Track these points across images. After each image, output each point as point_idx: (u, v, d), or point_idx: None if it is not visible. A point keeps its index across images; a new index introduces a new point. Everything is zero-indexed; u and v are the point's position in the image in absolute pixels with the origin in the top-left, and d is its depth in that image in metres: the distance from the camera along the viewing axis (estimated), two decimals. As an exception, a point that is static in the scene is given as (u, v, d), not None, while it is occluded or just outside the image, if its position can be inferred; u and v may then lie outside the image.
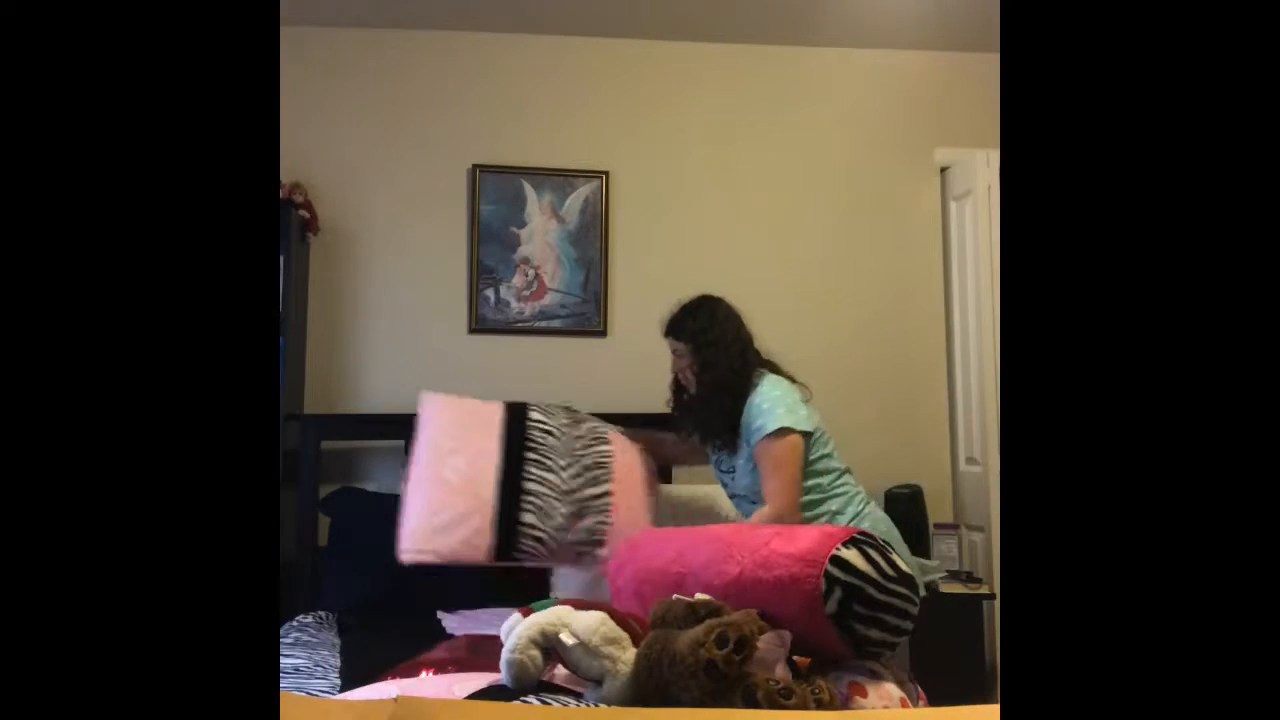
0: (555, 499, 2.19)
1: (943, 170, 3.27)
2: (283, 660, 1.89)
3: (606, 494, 2.23)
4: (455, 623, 2.22)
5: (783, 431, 2.05)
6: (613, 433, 2.39)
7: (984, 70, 3.21)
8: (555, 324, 3.07)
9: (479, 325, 3.04)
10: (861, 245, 3.21)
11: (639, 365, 3.07)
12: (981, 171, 3.04)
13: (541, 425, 2.32)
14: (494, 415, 2.35)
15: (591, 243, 3.09)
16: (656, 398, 3.06)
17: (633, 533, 1.82)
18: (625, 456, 2.35)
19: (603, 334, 3.09)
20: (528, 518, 2.15)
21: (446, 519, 2.14)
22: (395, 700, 1.04)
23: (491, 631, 2.08)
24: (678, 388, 2.33)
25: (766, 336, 2.30)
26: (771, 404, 2.09)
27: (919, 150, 3.26)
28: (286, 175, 2.81)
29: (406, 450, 2.78)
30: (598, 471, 2.26)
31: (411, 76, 3.09)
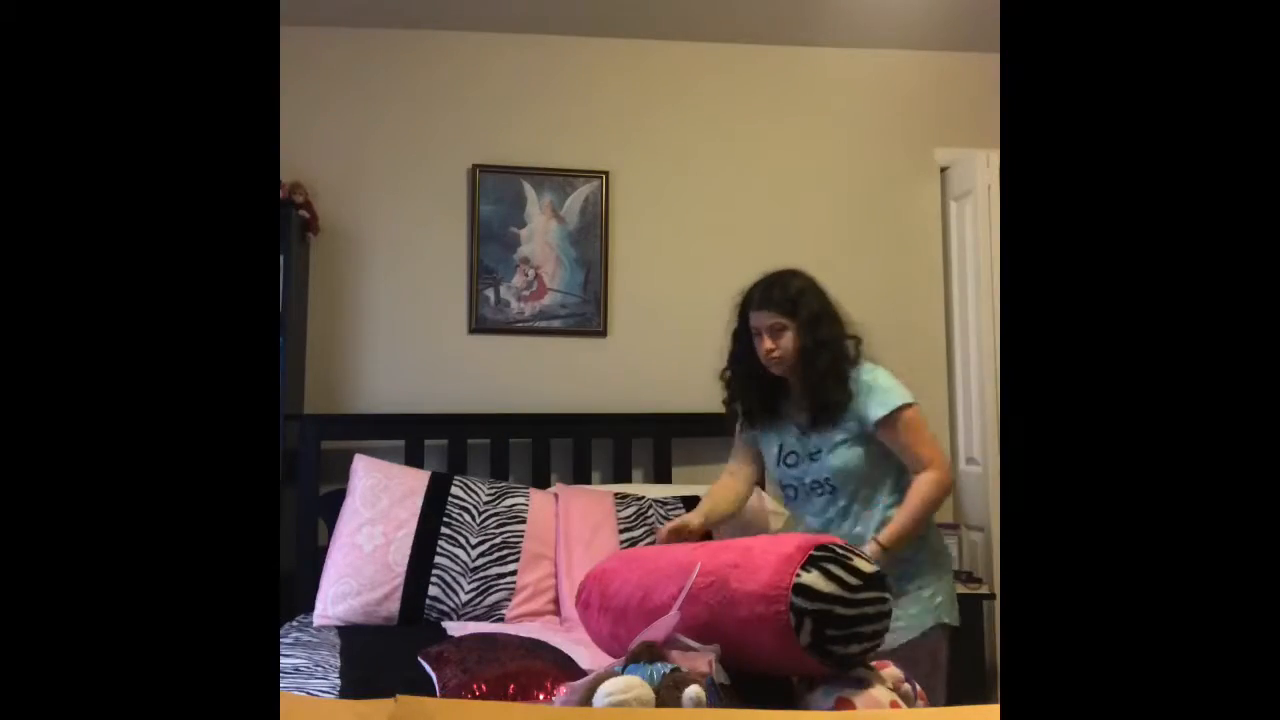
0: (460, 574, 2.32)
1: (943, 170, 3.27)
2: (283, 660, 1.89)
3: (512, 573, 2.34)
4: (456, 626, 2.22)
5: (909, 406, 2.01)
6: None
7: (984, 70, 3.21)
8: (555, 324, 3.07)
9: (479, 325, 3.04)
10: (861, 245, 3.21)
11: (639, 365, 3.08)
12: (981, 171, 3.04)
13: (460, 501, 2.45)
14: (417, 485, 2.48)
15: (591, 243, 3.08)
16: (657, 398, 3.08)
17: (604, 561, 1.74)
18: (545, 535, 2.42)
19: (603, 334, 3.09)
20: (434, 590, 2.29)
21: (355, 585, 2.28)
22: (395, 700, 1.04)
23: (492, 631, 2.10)
24: (749, 371, 2.11)
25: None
26: (888, 382, 2.03)
27: (919, 150, 3.26)
28: (286, 175, 2.81)
29: (407, 451, 2.81)
30: (505, 551, 2.37)
31: (411, 76, 3.09)
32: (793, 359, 2.03)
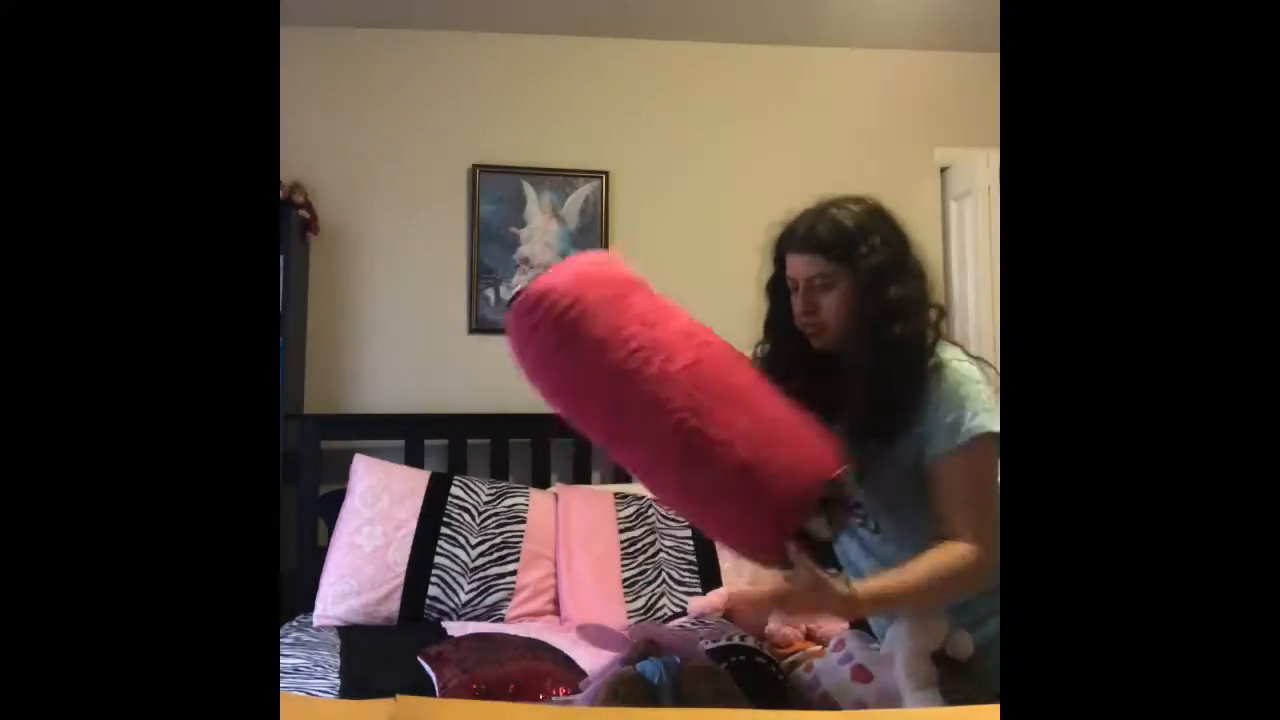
0: (460, 574, 2.31)
1: (943, 170, 3.27)
2: (283, 660, 1.89)
3: (512, 573, 2.32)
4: (456, 626, 2.22)
5: (990, 436, 1.28)
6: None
7: (984, 70, 3.20)
8: (555, 324, 3.06)
9: (479, 325, 3.03)
10: (861, 245, 3.20)
11: (639, 365, 3.07)
12: (981, 171, 3.04)
13: (460, 501, 2.45)
14: (417, 485, 2.48)
15: (591, 243, 3.08)
16: (656, 398, 3.07)
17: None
18: (546, 535, 2.42)
19: (603, 334, 3.08)
20: (434, 590, 2.28)
21: (355, 585, 2.27)
22: (395, 700, 1.04)
23: (491, 630, 2.10)
24: (789, 341, 1.43)
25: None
26: (977, 391, 1.33)
27: (919, 150, 3.26)
28: (286, 175, 2.81)
29: (407, 451, 2.80)
30: (505, 551, 2.36)
31: (411, 76, 3.09)
32: (839, 330, 1.36)
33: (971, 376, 1.35)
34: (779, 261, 1.44)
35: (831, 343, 1.38)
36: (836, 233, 1.35)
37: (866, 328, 1.33)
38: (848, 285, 1.34)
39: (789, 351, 1.43)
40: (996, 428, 1.29)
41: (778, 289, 1.45)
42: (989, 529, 1.23)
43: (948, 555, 1.24)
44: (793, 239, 1.39)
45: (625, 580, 2.37)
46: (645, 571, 2.39)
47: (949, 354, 1.37)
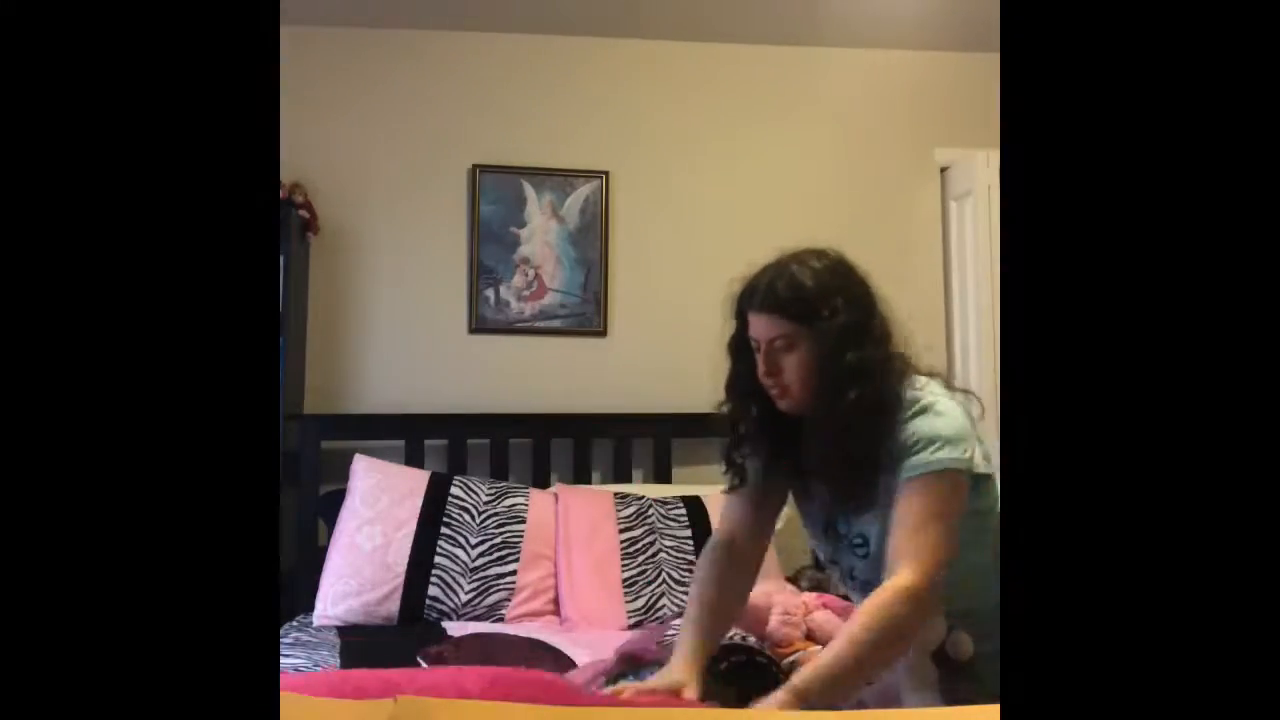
0: (460, 574, 2.31)
1: (943, 170, 3.27)
2: (283, 660, 1.89)
3: (512, 573, 2.33)
4: (456, 626, 2.22)
5: (956, 471, 1.29)
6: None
7: (984, 70, 3.21)
8: (555, 324, 3.06)
9: (479, 325, 3.03)
10: (861, 245, 3.16)
11: (639, 365, 3.07)
12: (981, 171, 3.04)
13: (460, 501, 2.45)
14: (417, 485, 2.48)
15: (591, 243, 3.08)
16: (657, 398, 3.08)
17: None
18: (546, 535, 2.42)
19: (603, 334, 3.09)
20: (434, 590, 2.28)
21: (355, 585, 2.28)
22: (395, 700, 1.04)
23: (490, 631, 2.11)
24: (755, 401, 1.39)
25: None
26: (950, 426, 1.31)
27: (919, 150, 3.26)
28: (286, 175, 2.80)
29: (407, 451, 2.81)
30: (505, 551, 2.36)
31: (411, 76, 3.09)
32: (802, 392, 1.32)
33: (941, 411, 1.32)
34: (740, 318, 1.39)
35: (797, 405, 1.34)
36: (796, 292, 1.32)
37: (827, 391, 1.29)
38: (808, 346, 1.31)
39: (753, 413, 1.40)
40: (961, 462, 1.28)
41: (740, 347, 1.40)
42: (932, 559, 1.21)
43: (875, 600, 1.20)
44: (753, 297, 1.35)
45: (625, 580, 2.38)
46: (645, 571, 2.39)
47: (921, 389, 1.35)
